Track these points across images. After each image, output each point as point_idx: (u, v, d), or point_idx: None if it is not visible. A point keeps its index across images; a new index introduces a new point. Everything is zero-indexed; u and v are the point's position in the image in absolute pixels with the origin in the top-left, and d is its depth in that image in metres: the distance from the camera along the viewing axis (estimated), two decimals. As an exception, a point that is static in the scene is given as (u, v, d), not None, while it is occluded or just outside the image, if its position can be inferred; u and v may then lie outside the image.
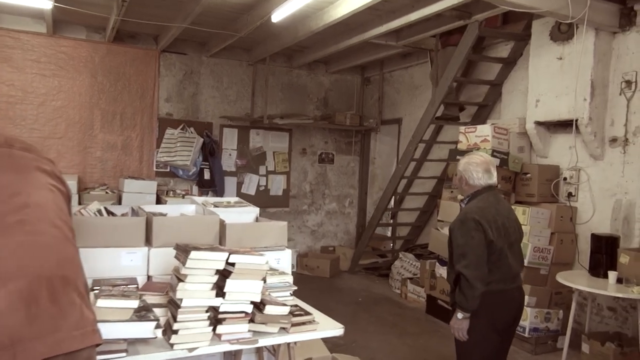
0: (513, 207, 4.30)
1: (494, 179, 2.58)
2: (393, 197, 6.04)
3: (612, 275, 3.60)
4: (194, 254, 1.88)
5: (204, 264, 1.90)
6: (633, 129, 3.96)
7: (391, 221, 7.07)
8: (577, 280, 3.75)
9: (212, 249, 2.01)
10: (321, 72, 7.47)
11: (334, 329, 2.24)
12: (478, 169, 2.57)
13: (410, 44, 5.67)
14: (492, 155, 4.39)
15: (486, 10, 4.28)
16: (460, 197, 2.81)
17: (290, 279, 2.57)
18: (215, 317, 1.91)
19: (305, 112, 7.29)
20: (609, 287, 3.56)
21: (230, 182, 6.85)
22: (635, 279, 3.49)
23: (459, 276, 2.37)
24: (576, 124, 4.18)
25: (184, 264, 1.89)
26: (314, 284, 6.04)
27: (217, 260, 1.92)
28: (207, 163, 6.53)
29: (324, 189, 7.63)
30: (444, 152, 5.93)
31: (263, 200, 7.12)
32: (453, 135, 5.81)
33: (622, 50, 4.08)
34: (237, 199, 3.79)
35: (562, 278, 3.72)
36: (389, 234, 7.31)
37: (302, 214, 7.48)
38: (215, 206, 3.25)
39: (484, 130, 4.51)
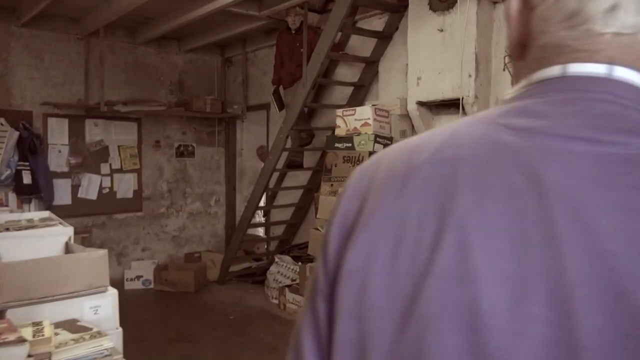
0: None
1: None
2: (265, 193, 5.26)
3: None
4: None
5: None
6: (518, 107, 3.65)
7: (264, 220, 6.31)
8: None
9: None
10: (173, 50, 6.37)
11: None
12: None
13: (275, 15, 4.90)
14: (375, 142, 3.83)
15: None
16: None
17: (109, 343, 1.64)
18: None
19: (156, 98, 6.15)
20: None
21: (61, 186, 5.49)
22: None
23: None
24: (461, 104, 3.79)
25: None
26: (175, 303, 5.04)
27: None
28: (27, 163, 5.12)
29: (185, 187, 6.58)
30: (319, 140, 5.30)
31: (108, 205, 5.89)
32: (329, 120, 5.20)
33: (503, 22, 3.74)
34: (46, 214, 2.70)
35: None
36: (263, 233, 6.54)
37: (160, 218, 6.37)
38: (7, 228, 2.21)
39: (365, 112, 3.93)
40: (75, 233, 5.64)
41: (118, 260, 6.01)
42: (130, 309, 4.92)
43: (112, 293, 1.93)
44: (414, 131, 4.33)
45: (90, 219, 5.80)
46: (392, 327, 0.43)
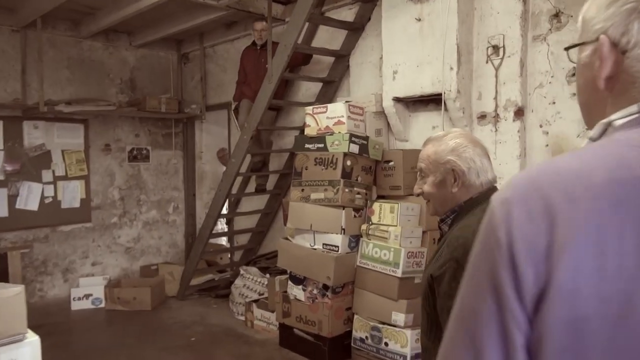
0: (377, 204, 3.47)
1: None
2: (227, 199, 4.81)
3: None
4: None
5: None
6: (504, 102, 3.38)
7: (227, 228, 5.85)
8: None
9: None
10: (124, 45, 5.83)
11: None
12: (480, 153, 1.43)
13: (235, 5, 4.48)
14: (351, 142, 3.48)
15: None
16: (430, 204, 1.50)
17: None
18: None
19: (105, 97, 5.60)
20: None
21: (-5, 196, 4.87)
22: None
23: None
24: (442, 99, 3.49)
25: None
26: (129, 324, 4.53)
27: None
28: (-47, 172, 4.50)
29: (139, 194, 6.05)
30: (288, 140, 4.91)
31: (52, 217, 5.31)
32: (297, 119, 4.82)
33: (485, 11, 3.47)
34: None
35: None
36: (226, 243, 6.08)
37: (112, 229, 5.81)
38: None
39: (337, 109, 3.56)
40: (14, 249, 5.04)
41: (64, 277, 5.43)
42: (77, 334, 4.39)
43: (32, 341, 1.49)
44: (390, 130, 4.00)
45: (31, 232, 5.19)
46: (608, 329, 0.51)
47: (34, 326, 1.83)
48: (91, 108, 5.11)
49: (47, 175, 5.27)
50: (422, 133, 3.84)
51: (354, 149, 3.49)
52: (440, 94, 3.47)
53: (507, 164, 3.37)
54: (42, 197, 5.24)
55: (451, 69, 3.40)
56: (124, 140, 5.88)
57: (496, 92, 3.40)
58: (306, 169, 3.67)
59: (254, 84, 4.57)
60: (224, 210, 5.25)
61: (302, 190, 3.66)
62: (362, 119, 3.68)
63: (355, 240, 3.57)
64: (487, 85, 3.45)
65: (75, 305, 4.94)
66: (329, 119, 3.60)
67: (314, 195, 3.58)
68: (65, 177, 5.40)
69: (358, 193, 3.56)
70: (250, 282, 4.65)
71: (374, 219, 3.47)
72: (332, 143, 3.52)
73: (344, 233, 3.47)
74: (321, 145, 3.59)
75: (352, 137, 3.48)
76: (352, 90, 4.32)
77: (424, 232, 3.47)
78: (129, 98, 5.83)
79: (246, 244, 5.46)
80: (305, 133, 3.75)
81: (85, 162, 5.55)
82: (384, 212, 3.43)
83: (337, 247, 3.49)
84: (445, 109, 3.54)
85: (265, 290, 4.40)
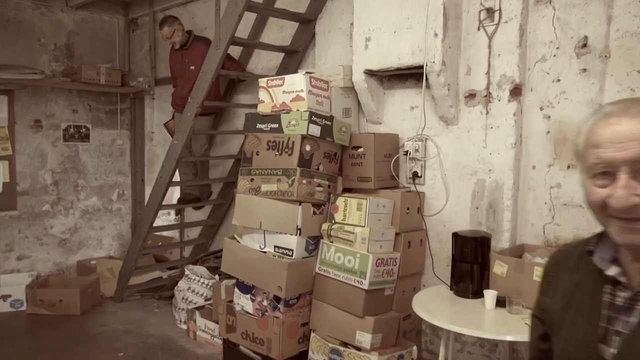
0: (342, 199, 2.84)
1: None
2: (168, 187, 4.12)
3: (490, 296, 2.38)
4: None
5: None
6: (497, 78, 2.77)
7: (176, 219, 5.16)
8: (440, 308, 2.46)
9: None
10: (59, 4, 5.02)
11: None
12: None
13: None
14: (311, 122, 2.82)
15: None
16: None
17: None
18: None
19: (34, 65, 4.80)
20: (486, 314, 2.34)
21: None
22: (521, 297, 2.32)
23: None
24: (423, 73, 2.86)
25: None
26: (48, 334, 3.83)
27: None
28: None
29: (77, 178, 5.29)
30: (240, 121, 4.23)
31: (-34, 203, 4.52)
32: (250, 97, 4.15)
33: (477, -34, 2.84)
34: None
35: (421, 307, 2.38)
36: (178, 236, 5.39)
37: (43, 218, 5.05)
38: None
39: (296, 81, 2.89)
40: None
41: (-17, 273, 4.67)
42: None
43: None
44: (360, 110, 3.36)
45: (-60, 221, 4.42)
46: None
47: None
48: (11, 76, 4.32)
49: (-40, 155, 4.48)
50: (398, 114, 3.22)
51: (315, 130, 2.84)
52: (421, 67, 2.84)
53: (498, 153, 2.78)
54: (-46, 180, 4.46)
55: (435, 35, 2.77)
56: (58, 117, 5.10)
57: (489, 65, 2.79)
58: (257, 154, 3.00)
59: (182, 90, 4.18)
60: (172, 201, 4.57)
61: (252, 180, 3.00)
62: (326, 95, 3.03)
63: (314, 243, 2.94)
64: (477, 57, 2.83)
65: (-9, 308, 4.22)
66: (286, 93, 2.93)
67: (265, 187, 2.92)
68: (-17, 157, 4.62)
69: (319, 185, 2.92)
70: (195, 285, 3.99)
71: (338, 217, 2.85)
72: (289, 123, 2.86)
73: (299, 234, 2.83)
74: (275, 126, 2.93)
75: (313, 117, 2.82)
76: (317, 63, 3.66)
77: (397, 235, 2.86)
78: (65, 67, 5.04)
79: (196, 238, 4.78)
80: (257, 110, 3.08)
81: (9, 140, 4.76)
82: (349, 209, 2.81)
83: (292, 250, 2.85)
84: (427, 86, 2.92)
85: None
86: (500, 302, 2.36)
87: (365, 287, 2.65)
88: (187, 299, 3.96)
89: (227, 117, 4.61)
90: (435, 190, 3.05)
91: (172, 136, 4.19)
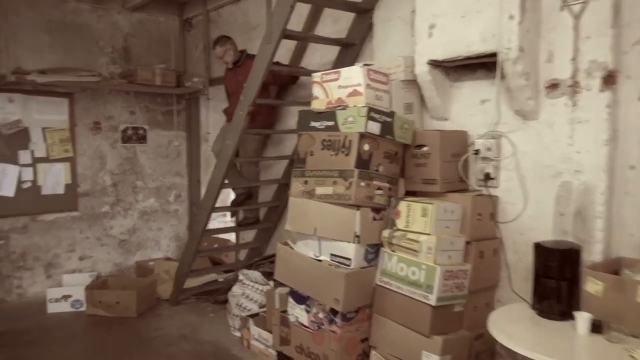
0: (405, 203, 2.57)
1: None
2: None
3: (584, 320, 2.03)
4: None
5: None
6: (586, 65, 2.40)
7: (232, 221, 5.05)
8: (521, 331, 2.14)
9: None
10: (116, 7, 5.05)
11: None
12: None
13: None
14: (369, 119, 2.57)
15: None
16: None
17: None
18: None
19: (93, 68, 4.85)
20: (580, 341, 2.00)
21: (-39, 181, 4.23)
22: (622, 322, 1.95)
23: None
24: (496, 62, 2.54)
25: None
26: (105, 337, 3.82)
27: None
28: None
29: (135, 179, 5.32)
30: (294, 119, 4.04)
31: (31, 204, 4.67)
32: (303, 92, 3.94)
33: (561, -63, 2.47)
34: None
35: (499, 330, 2.07)
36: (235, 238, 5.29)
37: (103, 219, 5.11)
38: None
39: (353, 74, 2.65)
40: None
41: (47, 273, 4.78)
42: (44, 347, 3.69)
43: None
44: (423, 105, 3.07)
45: (7, 222, 4.55)
46: None
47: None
48: (69, 79, 4.36)
49: (24, 157, 4.59)
50: (467, 109, 2.90)
51: (374, 128, 2.58)
52: (495, 55, 2.52)
53: (588, 152, 2.40)
54: (19, 182, 4.57)
55: (511, 17, 2.43)
56: (116, 118, 5.14)
57: (575, 50, 2.42)
58: (311, 155, 2.79)
59: (235, 106, 3.97)
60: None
61: (305, 182, 2.79)
62: (386, 89, 2.76)
63: (373, 252, 2.69)
64: (561, 41, 2.46)
65: (52, 308, 4.28)
66: (342, 88, 2.70)
67: (319, 190, 2.70)
68: (46, 159, 4.70)
69: (378, 188, 2.67)
70: (249, 290, 3.84)
71: (400, 223, 2.58)
72: (345, 120, 2.63)
73: (358, 241, 2.59)
74: (331, 123, 2.70)
75: (372, 113, 2.57)
76: (376, 55, 3.40)
77: (467, 244, 2.56)
78: (122, 70, 5.07)
79: (251, 241, 4.65)
80: (311, 107, 2.87)
81: (70, 142, 4.84)
82: (413, 215, 2.53)
83: (349, 259, 2.61)
84: (501, 76, 2.59)
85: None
86: (595, 327, 2.01)
87: (433, 302, 2.37)
88: (241, 305, 3.82)
89: (280, 116, 4.44)
90: (511, 193, 2.71)
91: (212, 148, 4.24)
